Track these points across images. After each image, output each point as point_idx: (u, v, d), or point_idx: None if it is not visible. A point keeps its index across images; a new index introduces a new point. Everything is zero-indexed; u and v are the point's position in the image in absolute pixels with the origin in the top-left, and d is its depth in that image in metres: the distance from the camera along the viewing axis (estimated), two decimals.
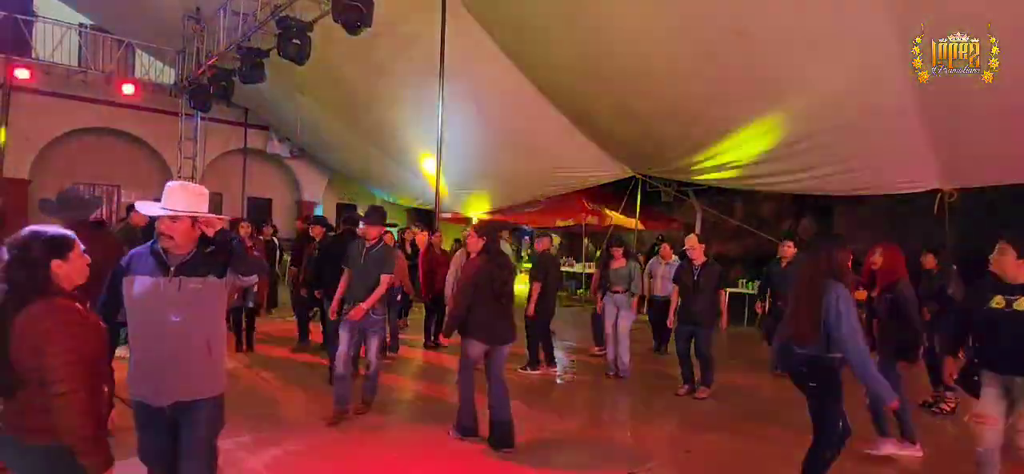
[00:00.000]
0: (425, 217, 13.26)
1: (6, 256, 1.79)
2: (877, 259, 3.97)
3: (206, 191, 2.32)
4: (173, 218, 2.20)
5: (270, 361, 6.11)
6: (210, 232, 2.30)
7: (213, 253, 2.29)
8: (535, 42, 7.46)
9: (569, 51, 7.17)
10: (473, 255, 4.04)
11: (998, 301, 2.90)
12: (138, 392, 2.24)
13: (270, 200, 15.46)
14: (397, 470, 3.64)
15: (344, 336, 4.27)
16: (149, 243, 2.32)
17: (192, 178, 12.16)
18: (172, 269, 2.22)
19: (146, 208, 2.35)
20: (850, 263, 3.14)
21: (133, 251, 2.35)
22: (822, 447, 3.01)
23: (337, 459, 3.76)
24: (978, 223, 8.14)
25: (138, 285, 2.22)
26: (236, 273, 2.35)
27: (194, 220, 2.24)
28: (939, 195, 7.10)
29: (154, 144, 12.89)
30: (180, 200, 2.23)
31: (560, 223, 12.30)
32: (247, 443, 3.92)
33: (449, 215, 12.87)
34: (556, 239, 10.37)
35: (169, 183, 2.28)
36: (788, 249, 6.22)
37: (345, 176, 15.25)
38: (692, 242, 5.32)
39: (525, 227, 13.37)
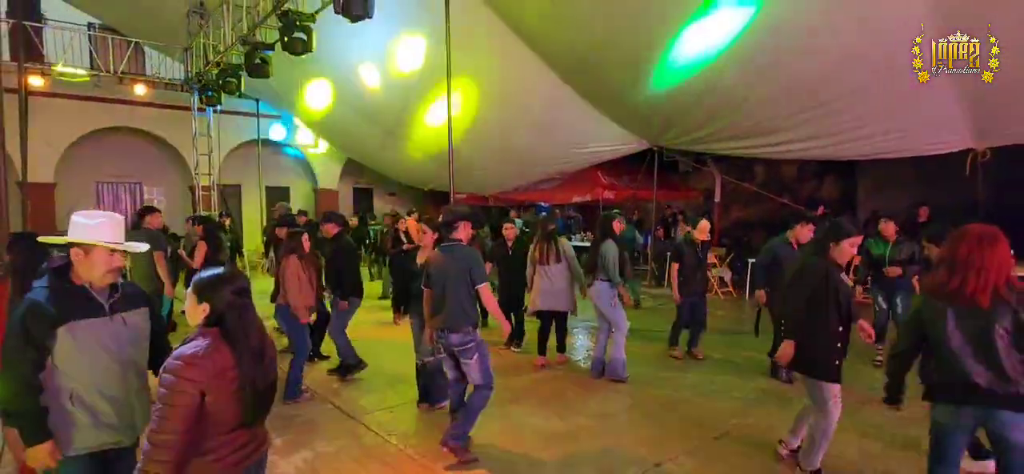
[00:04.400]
0: (441, 199, 13.25)
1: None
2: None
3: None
4: (123, 252, 2.09)
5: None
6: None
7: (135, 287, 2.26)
8: (545, 19, 7.23)
9: (581, 27, 6.95)
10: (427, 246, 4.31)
11: None
12: (102, 440, 2.09)
13: (288, 188, 15.60)
14: (429, 469, 3.69)
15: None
16: (48, 282, 2.03)
17: (210, 173, 12.30)
18: (106, 307, 2.06)
19: (105, 237, 2.07)
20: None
21: (41, 297, 1.98)
22: None
23: (368, 460, 3.79)
24: (1012, 181, 7.81)
25: (85, 331, 2.00)
26: None
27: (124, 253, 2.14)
28: (971, 154, 6.80)
29: (170, 140, 13.04)
30: (120, 232, 2.11)
31: (577, 199, 12.16)
32: (277, 446, 3.99)
33: (464, 196, 12.83)
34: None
35: (98, 215, 2.10)
36: (805, 231, 4.91)
37: (359, 162, 15.26)
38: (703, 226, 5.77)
39: (542, 204, 13.26)
